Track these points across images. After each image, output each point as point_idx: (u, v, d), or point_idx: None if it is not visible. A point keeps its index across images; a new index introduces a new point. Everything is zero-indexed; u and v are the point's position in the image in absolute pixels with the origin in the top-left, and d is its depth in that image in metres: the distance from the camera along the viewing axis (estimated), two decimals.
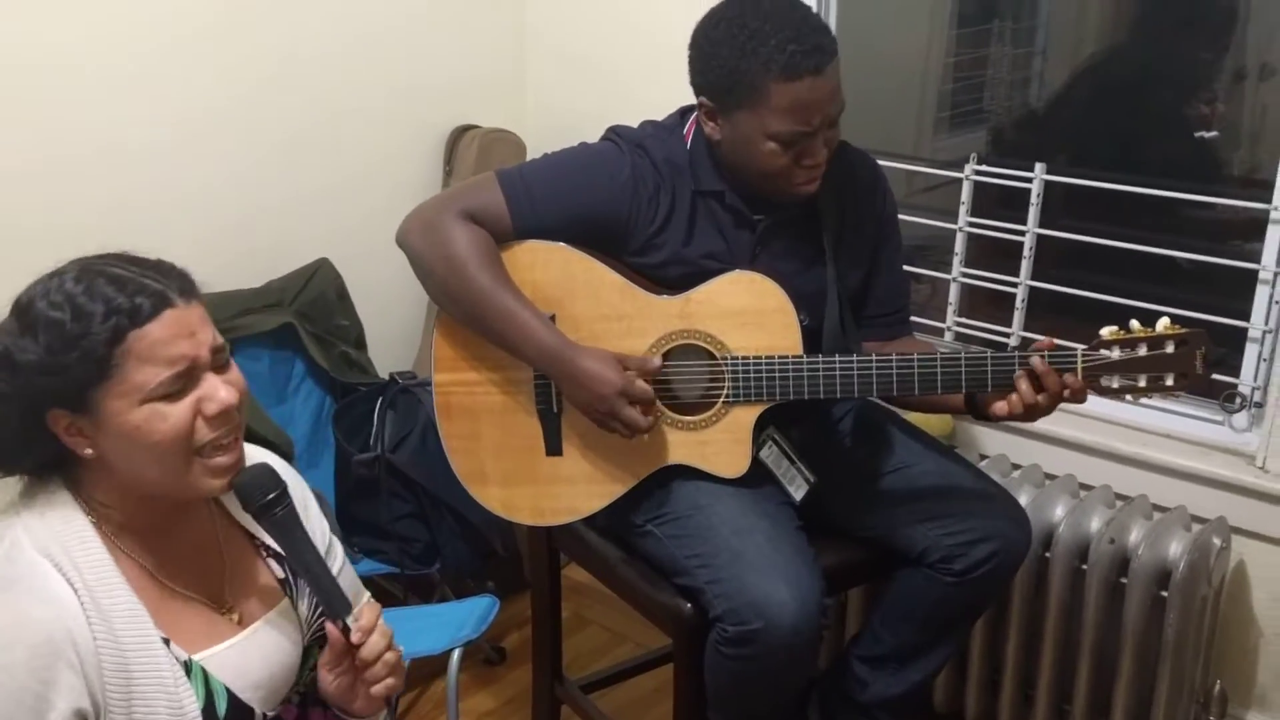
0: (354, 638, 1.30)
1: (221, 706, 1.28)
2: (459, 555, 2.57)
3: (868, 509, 1.97)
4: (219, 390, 1.24)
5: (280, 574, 1.41)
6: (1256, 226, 2.23)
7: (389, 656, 1.32)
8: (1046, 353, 1.73)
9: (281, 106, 2.67)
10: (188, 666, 1.26)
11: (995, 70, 3.20)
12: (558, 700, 2.33)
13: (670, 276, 1.87)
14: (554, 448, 1.93)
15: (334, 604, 1.31)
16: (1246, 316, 2.21)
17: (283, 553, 1.38)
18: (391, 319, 2.94)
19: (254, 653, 1.33)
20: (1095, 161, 2.56)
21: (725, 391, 1.86)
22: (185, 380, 1.22)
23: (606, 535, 2.04)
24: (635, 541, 1.96)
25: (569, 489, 1.94)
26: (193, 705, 1.24)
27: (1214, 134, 2.66)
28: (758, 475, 1.89)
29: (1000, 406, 1.77)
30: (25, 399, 1.20)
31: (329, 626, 1.32)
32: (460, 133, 2.99)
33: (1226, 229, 2.44)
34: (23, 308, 1.22)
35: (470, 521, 2.52)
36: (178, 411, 1.21)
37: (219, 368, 1.26)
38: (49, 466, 1.26)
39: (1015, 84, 3.20)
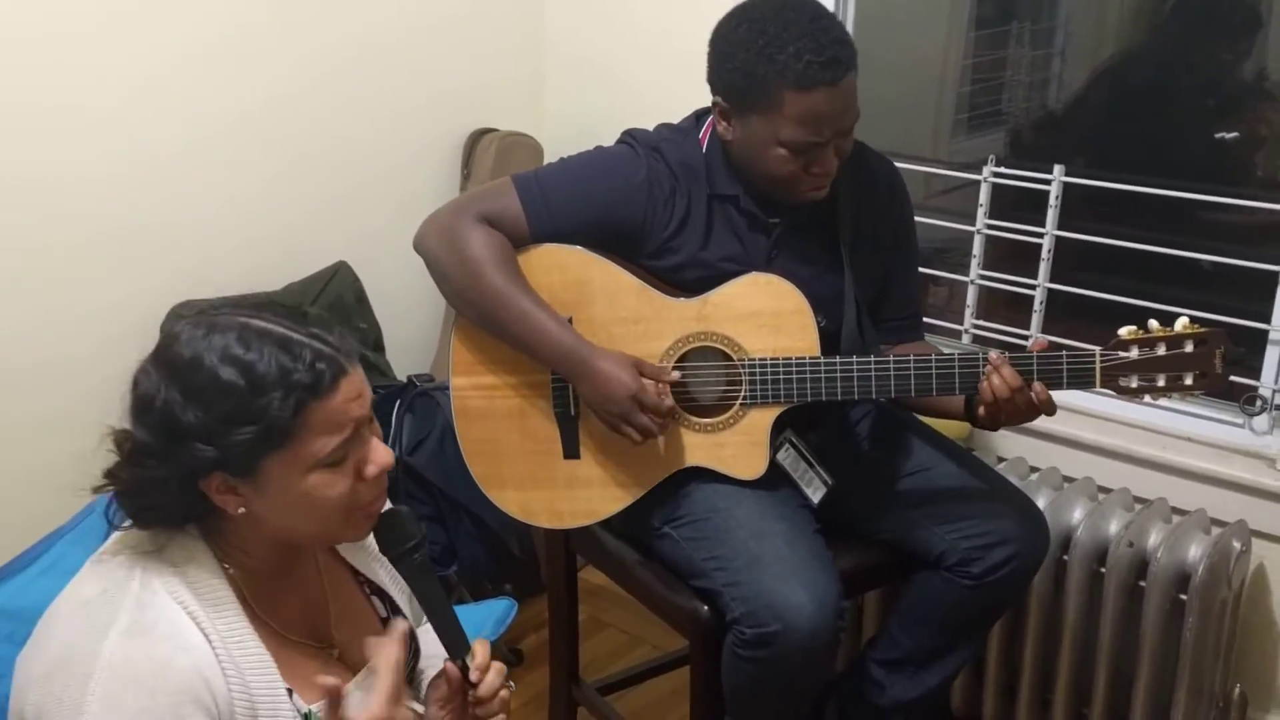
0: (472, 676, 1.31)
1: None
2: (476, 558, 2.57)
3: (885, 511, 1.96)
4: (379, 453, 1.23)
5: (383, 612, 1.41)
6: (1277, 228, 2.22)
7: (504, 694, 1.34)
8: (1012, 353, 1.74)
9: (301, 112, 2.69)
10: (307, 718, 1.25)
11: (1014, 72, 3.19)
12: (574, 702, 2.33)
13: (687, 280, 1.87)
14: (571, 451, 1.93)
15: (455, 643, 1.32)
16: (1267, 319, 2.20)
17: (389, 587, 1.39)
18: (409, 322, 2.96)
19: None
20: (1114, 164, 2.55)
21: (742, 394, 1.86)
22: (352, 444, 1.21)
23: (623, 538, 2.04)
24: (652, 544, 1.96)
25: (586, 492, 1.94)
26: None
27: (1234, 136, 2.65)
28: (775, 478, 1.89)
29: (980, 408, 1.77)
30: (186, 464, 1.16)
31: (447, 665, 1.32)
32: (478, 136, 3.00)
33: (1247, 231, 2.43)
34: (184, 363, 1.16)
35: (487, 524, 2.53)
36: (343, 478, 1.20)
37: (376, 432, 1.26)
38: (187, 520, 1.23)
39: (1034, 86, 3.20)
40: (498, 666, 1.33)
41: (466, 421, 1.95)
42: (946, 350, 1.90)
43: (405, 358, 2.90)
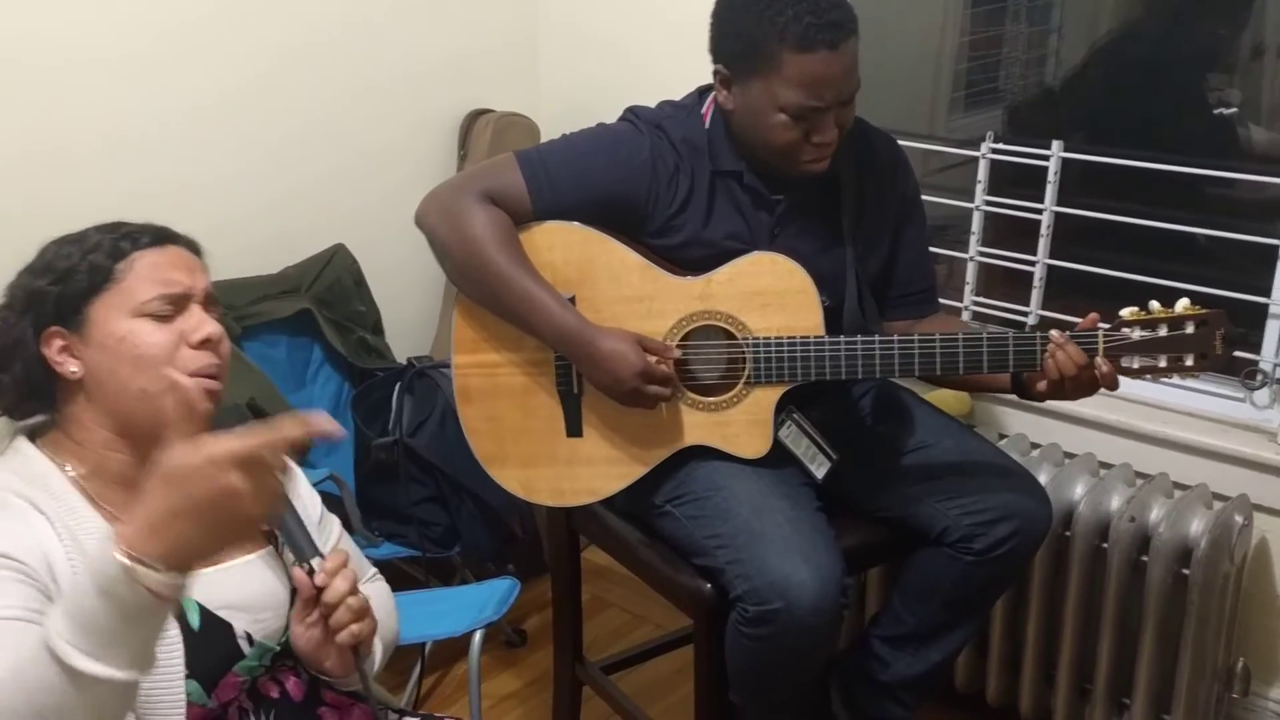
0: (317, 579, 1.30)
1: (194, 619, 1.30)
2: (479, 538, 2.57)
3: (887, 488, 1.96)
4: (206, 324, 1.33)
5: (264, 526, 1.41)
6: (1276, 203, 2.22)
7: (352, 601, 1.31)
8: (1069, 332, 1.74)
9: (295, 93, 2.67)
10: None
11: (1011, 49, 3.18)
12: (579, 682, 2.33)
13: (690, 258, 1.87)
14: (574, 429, 1.93)
15: (301, 549, 1.32)
16: (1267, 293, 2.20)
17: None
18: (408, 304, 2.95)
19: (226, 580, 1.34)
20: (1112, 140, 2.55)
21: (746, 372, 1.85)
22: (177, 305, 1.32)
23: (626, 517, 2.04)
24: (655, 522, 1.96)
25: (589, 470, 1.94)
26: None
27: (1233, 110, 2.64)
28: (778, 456, 1.89)
29: (1041, 384, 1.77)
30: (29, 313, 1.31)
31: (295, 572, 1.32)
32: (474, 117, 2.99)
33: (1246, 205, 2.43)
34: (43, 250, 1.37)
35: (490, 505, 2.53)
36: (164, 330, 1.31)
37: (212, 316, 1.35)
38: (34, 394, 1.33)
39: (1031, 62, 3.18)
40: (346, 572, 1.32)
41: (468, 400, 1.95)
42: (995, 329, 1.89)
43: (404, 340, 2.90)
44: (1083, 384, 1.75)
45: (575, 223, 1.86)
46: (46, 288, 1.31)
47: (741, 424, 1.87)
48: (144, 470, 1.29)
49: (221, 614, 1.33)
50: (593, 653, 2.46)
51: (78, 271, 1.31)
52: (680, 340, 1.87)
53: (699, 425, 1.89)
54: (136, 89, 2.41)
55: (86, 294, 1.30)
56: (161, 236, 1.36)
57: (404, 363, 2.69)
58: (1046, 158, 2.38)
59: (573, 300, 1.86)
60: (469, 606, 2.18)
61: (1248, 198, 2.43)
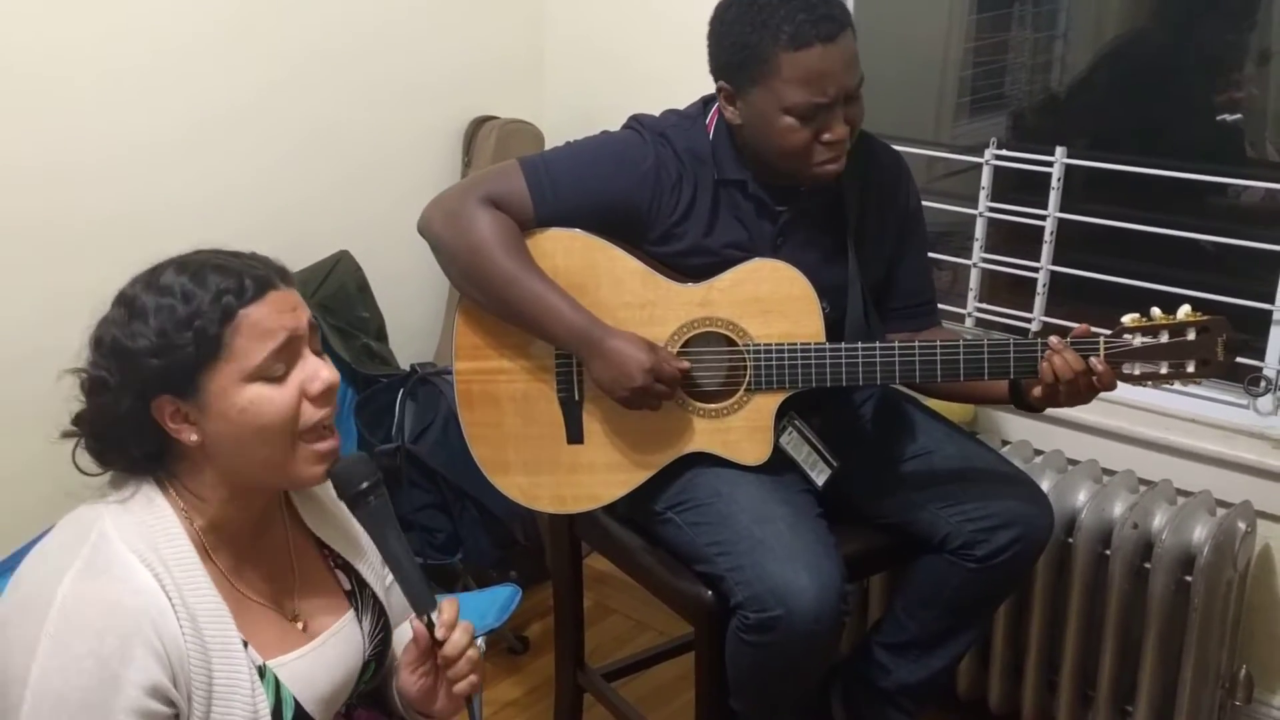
0: (438, 634, 1.30)
1: (288, 715, 1.28)
2: (481, 545, 2.58)
3: (889, 495, 1.96)
4: (321, 369, 1.27)
5: (347, 586, 1.41)
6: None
7: (471, 653, 1.32)
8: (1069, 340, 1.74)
9: (300, 101, 2.68)
10: (261, 671, 1.26)
11: (1016, 55, 3.18)
12: (580, 689, 2.33)
13: (692, 266, 1.87)
14: (575, 435, 1.93)
15: (420, 600, 1.31)
16: (1271, 299, 2.19)
17: (357, 563, 1.39)
18: (412, 310, 2.95)
19: (321, 665, 1.33)
20: (1117, 146, 2.54)
21: (747, 379, 1.85)
22: (288, 358, 1.24)
23: (627, 523, 2.04)
24: (656, 529, 1.96)
25: (590, 477, 1.94)
26: (265, 710, 1.25)
27: (1237, 117, 2.64)
28: (778, 463, 1.89)
29: (1037, 389, 1.77)
30: (135, 385, 1.21)
31: (414, 623, 1.32)
32: (478, 124, 2.99)
33: (1250, 212, 2.43)
34: (128, 299, 1.24)
35: (492, 511, 2.53)
36: (284, 392, 1.24)
37: (316, 350, 1.28)
38: (149, 460, 1.26)
39: (1036, 69, 3.18)
40: (465, 625, 1.33)
41: (469, 406, 1.95)
42: (969, 337, 1.89)
43: (408, 346, 2.90)
44: (1079, 390, 1.74)
45: (577, 229, 1.87)
46: (150, 360, 1.21)
47: (742, 430, 1.87)
48: (255, 525, 1.31)
49: (309, 708, 1.31)
50: (595, 660, 2.46)
51: (184, 342, 1.20)
52: (681, 347, 1.87)
53: (700, 432, 1.89)
54: (144, 100, 2.42)
55: (197, 365, 1.21)
56: (264, 283, 1.24)
57: (407, 369, 2.69)
58: (1050, 164, 2.38)
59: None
60: (470, 613, 2.15)
61: (1252, 203, 2.43)
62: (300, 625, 1.34)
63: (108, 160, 2.39)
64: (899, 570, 2.09)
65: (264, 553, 1.34)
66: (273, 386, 1.23)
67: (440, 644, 1.31)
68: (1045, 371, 1.74)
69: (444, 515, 2.56)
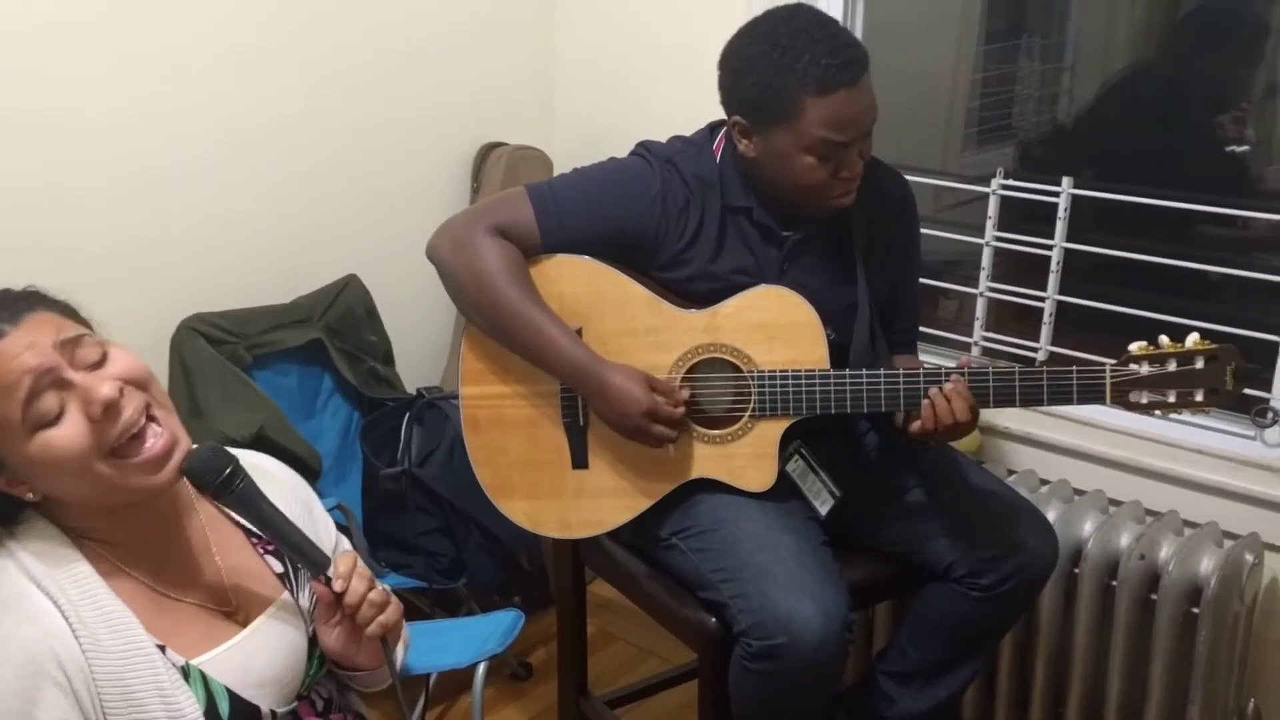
0: (336, 586, 1.31)
1: (224, 707, 1.28)
2: (485, 570, 2.57)
3: (894, 524, 1.96)
4: (92, 390, 1.18)
5: (279, 568, 1.41)
6: None
7: (373, 596, 1.32)
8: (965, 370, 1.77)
9: (313, 128, 2.70)
10: (185, 671, 1.26)
11: (1023, 86, 3.19)
12: (583, 716, 2.32)
13: (698, 291, 1.87)
14: (580, 461, 1.93)
15: (314, 563, 1.32)
16: (1278, 330, 2.19)
17: (253, 527, 1.38)
18: (419, 335, 2.96)
19: (256, 651, 1.33)
20: (1123, 176, 2.54)
21: (751, 405, 1.86)
22: (57, 400, 1.18)
23: (631, 549, 2.04)
24: (660, 555, 1.95)
25: (595, 502, 1.94)
26: (193, 709, 1.24)
27: (1245, 149, 2.64)
28: (783, 489, 1.89)
29: (914, 426, 1.79)
30: None
31: (313, 584, 1.33)
32: (488, 150, 3.01)
33: (1258, 243, 2.42)
34: None
35: (496, 536, 2.53)
36: (66, 430, 1.18)
37: (91, 365, 1.21)
38: (8, 515, 1.25)
39: (1043, 100, 3.19)
40: (362, 571, 1.32)
41: (475, 431, 1.95)
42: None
43: (415, 371, 2.91)
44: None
45: (583, 256, 1.87)
46: None
47: (747, 457, 1.87)
48: (165, 528, 1.30)
49: (248, 695, 1.31)
50: (598, 687, 2.45)
51: None
52: (686, 373, 1.87)
53: (704, 458, 1.89)
54: (157, 126, 2.45)
55: None
56: None
57: (413, 393, 2.70)
58: (1057, 194, 2.39)
59: (580, 332, 1.86)
60: (473, 638, 2.18)
61: (1259, 234, 2.43)
62: (240, 617, 1.34)
63: (120, 186, 2.41)
64: (903, 599, 2.08)
65: (186, 552, 1.33)
66: (53, 428, 1.17)
67: (341, 595, 1.31)
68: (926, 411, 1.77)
69: (448, 539, 2.56)
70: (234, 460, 1.29)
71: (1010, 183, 2.47)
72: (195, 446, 1.29)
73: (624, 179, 1.88)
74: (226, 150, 2.56)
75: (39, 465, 1.19)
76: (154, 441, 1.23)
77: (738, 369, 1.86)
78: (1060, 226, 2.39)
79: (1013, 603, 1.93)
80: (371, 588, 1.33)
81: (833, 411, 1.82)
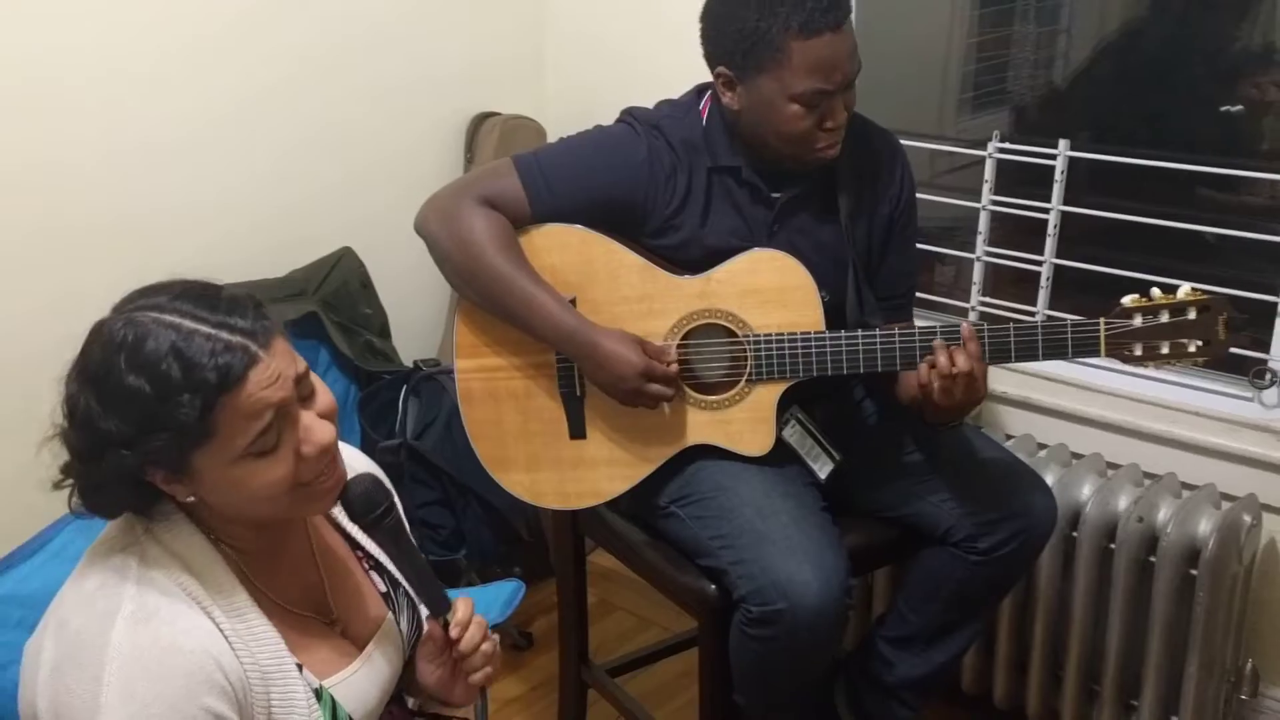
0: (453, 633, 1.32)
1: None
2: (484, 541, 2.58)
3: (892, 488, 1.96)
4: (314, 432, 1.19)
5: (383, 587, 1.41)
6: None
7: (486, 647, 1.35)
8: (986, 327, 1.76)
9: (303, 98, 2.68)
10: (318, 693, 1.26)
11: (1019, 50, 3.17)
12: (585, 684, 2.33)
13: (689, 257, 1.86)
14: (577, 431, 1.93)
15: (435, 603, 1.33)
16: (1276, 291, 2.18)
17: (387, 562, 1.40)
18: (415, 307, 2.95)
19: (373, 678, 1.34)
20: (1120, 139, 2.54)
21: (748, 370, 1.85)
22: (279, 427, 1.16)
23: (630, 518, 2.04)
24: (659, 524, 1.95)
25: (593, 472, 1.94)
26: None
27: (1239, 109, 2.62)
28: (781, 455, 1.89)
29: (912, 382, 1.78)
30: (115, 468, 1.14)
31: (430, 623, 1.34)
32: (480, 120, 2.99)
33: (1254, 204, 2.41)
34: (98, 372, 1.13)
35: (495, 507, 2.53)
36: (277, 463, 1.17)
37: (305, 398, 1.20)
38: (148, 507, 1.22)
39: (1039, 64, 3.17)
40: (479, 621, 1.35)
41: (471, 404, 1.95)
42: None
43: (412, 342, 2.90)
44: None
45: (575, 225, 1.86)
46: (122, 451, 1.12)
47: (744, 422, 1.87)
48: (284, 540, 1.30)
49: None
50: (599, 656, 2.46)
51: (159, 441, 1.12)
52: (681, 339, 1.87)
53: (702, 424, 1.89)
54: (147, 98, 2.43)
55: (179, 451, 1.13)
56: (246, 359, 1.13)
57: (410, 366, 2.69)
58: (1053, 157, 2.37)
59: (573, 301, 1.86)
60: (475, 608, 2.17)
61: (1256, 195, 2.42)
62: (339, 630, 1.34)
63: (111, 160, 2.39)
64: (902, 564, 2.08)
65: (294, 560, 1.32)
66: (264, 459, 1.16)
67: (456, 641, 1.33)
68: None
69: (447, 511, 2.56)
70: (391, 495, 1.31)
71: (1007, 145, 2.45)
72: (353, 476, 1.28)
73: (610, 146, 1.88)
74: (219, 123, 2.55)
75: (228, 484, 1.16)
76: (333, 478, 1.23)
77: (733, 334, 1.86)
78: (1057, 189, 2.38)
79: (1011, 566, 1.93)
80: (485, 638, 1.34)
81: (830, 373, 1.82)
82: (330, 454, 1.21)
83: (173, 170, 2.49)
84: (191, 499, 1.19)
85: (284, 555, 1.31)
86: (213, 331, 1.13)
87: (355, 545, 1.41)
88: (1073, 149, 2.36)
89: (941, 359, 1.72)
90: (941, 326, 1.80)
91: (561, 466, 1.95)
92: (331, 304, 2.69)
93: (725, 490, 1.85)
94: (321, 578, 1.34)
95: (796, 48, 1.71)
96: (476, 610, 2.15)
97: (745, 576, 1.76)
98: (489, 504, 2.52)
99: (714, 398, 1.88)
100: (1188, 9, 2.78)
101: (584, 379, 1.89)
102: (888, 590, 2.42)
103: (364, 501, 1.28)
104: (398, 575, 1.41)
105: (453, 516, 2.56)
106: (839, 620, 1.77)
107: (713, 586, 1.86)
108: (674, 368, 1.82)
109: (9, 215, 2.25)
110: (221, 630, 1.18)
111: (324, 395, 1.23)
